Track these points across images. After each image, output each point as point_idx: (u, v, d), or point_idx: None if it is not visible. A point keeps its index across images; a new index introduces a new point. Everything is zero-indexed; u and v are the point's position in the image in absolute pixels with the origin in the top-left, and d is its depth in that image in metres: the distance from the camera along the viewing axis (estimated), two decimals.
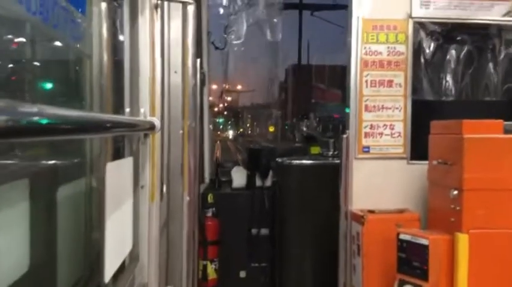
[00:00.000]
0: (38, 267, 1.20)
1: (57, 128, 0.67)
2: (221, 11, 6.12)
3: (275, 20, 6.34)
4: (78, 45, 1.08)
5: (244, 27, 5.87)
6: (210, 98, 6.02)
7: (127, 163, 1.56)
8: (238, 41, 5.93)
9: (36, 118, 0.56)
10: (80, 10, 1.02)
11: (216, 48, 6.17)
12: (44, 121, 0.59)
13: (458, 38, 3.60)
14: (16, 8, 0.74)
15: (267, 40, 6.36)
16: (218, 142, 5.44)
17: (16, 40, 0.82)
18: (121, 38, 1.68)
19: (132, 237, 1.68)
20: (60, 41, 0.96)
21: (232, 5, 5.98)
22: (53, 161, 1.27)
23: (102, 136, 1.37)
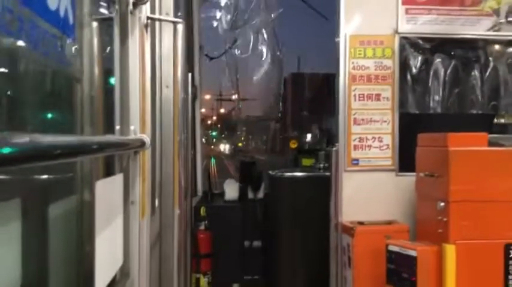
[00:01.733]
0: (30, 284, 1.23)
1: (49, 155, 0.71)
2: (214, 24, 6.19)
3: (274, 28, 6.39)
4: (68, 70, 1.12)
5: (251, 41, 5.94)
6: (203, 110, 6.06)
7: (117, 179, 1.60)
8: (246, 55, 5.99)
9: (29, 147, 0.61)
10: (69, 36, 1.07)
11: (211, 59, 6.21)
12: (36, 149, 0.63)
13: (445, 53, 3.68)
14: (8, 40, 0.78)
15: (263, 50, 6.40)
16: (213, 160, 5.40)
17: (8, 69, 0.86)
18: (111, 57, 1.72)
19: (123, 253, 1.71)
20: (50, 67, 1.00)
21: (234, 17, 6.04)
22: (43, 180, 1.30)
23: (93, 157, 1.41)
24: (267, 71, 6.30)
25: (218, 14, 6.25)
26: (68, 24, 1.04)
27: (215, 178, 5.11)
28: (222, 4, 6.14)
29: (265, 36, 5.84)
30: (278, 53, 6.06)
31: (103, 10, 1.70)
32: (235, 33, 5.78)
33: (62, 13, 0.98)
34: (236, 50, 5.89)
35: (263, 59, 6.10)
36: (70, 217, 1.44)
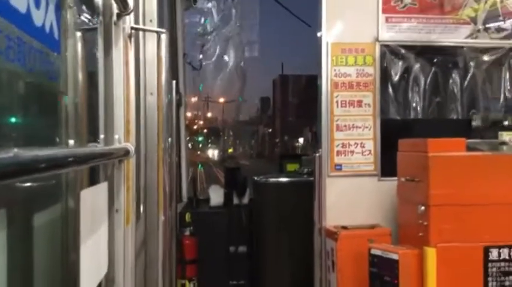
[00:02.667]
0: None
1: (35, 168, 0.74)
2: (198, 30, 6.23)
3: (252, 34, 6.45)
4: (53, 83, 1.15)
5: (218, 47, 5.98)
6: (188, 114, 6.08)
7: (102, 188, 1.62)
8: (210, 61, 6.03)
9: (13, 162, 0.64)
10: (54, 50, 1.09)
11: (194, 68, 6.25)
12: (21, 164, 0.66)
13: (425, 60, 3.77)
14: None
15: (245, 55, 6.45)
16: (200, 167, 5.36)
17: None
18: (95, 68, 1.75)
19: (108, 260, 1.73)
20: (36, 82, 1.03)
21: (210, 24, 6.09)
22: (28, 189, 1.32)
23: (79, 168, 1.44)
24: (228, 81, 6.34)
25: (202, 20, 6.29)
26: (53, 38, 1.07)
27: (203, 184, 5.12)
28: (206, 10, 6.19)
29: (232, 44, 5.90)
30: (242, 64, 6.11)
31: (87, 21, 1.73)
32: (203, 39, 5.82)
33: (47, 28, 1.01)
34: (203, 58, 5.93)
35: (227, 67, 6.15)
36: (55, 226, 1.46)
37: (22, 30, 0.86)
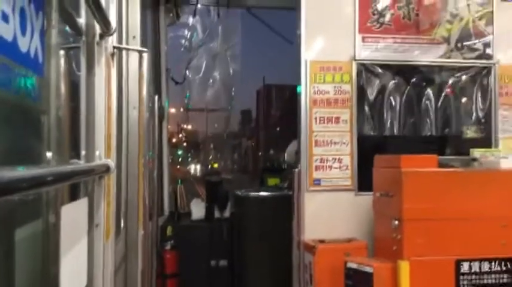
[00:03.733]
0: None
1: (18, 187, 0.79)
2: (185, 45, 6.33)
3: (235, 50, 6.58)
4: (37, 104, 1.21)
5: (204, 63, 6.09)
6: (169, 126, 6.13)
7: (82, 204, 1.67)
8: (198, 76, 6.14)
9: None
10: (38, 73, 1.15)
11: (176, 83, 6.33)
12: (4, 183, 0.72)
13: (400, 78, 3.90)
14: None
15: (228, 69, 6.56)
16: (180, 184, 5.30)
17: None
18: (78, 86, 1.81)
19: (87, 273, 1.77)
20: (21, 104, 1.08)
21: (194, 40, 6.20)
22: (9, 204, 1.37)
23: (60, 186, 1.48)
24: (215, 94, 6.49)
25: (188, 34, 6.40)
26: (37, 62, 1.13)
27: (183, 201, 5.12)
28: (190, 24, 6.29)
29: (218, 61, 6.03)
30: (229, 75, 6.25)
31: (70, 41, 1.79)
32: (190, 54, 5.94)
33: (32, 53, 1.07)
34: (188, 72, 6.03)
35: (212, 81, 6.28)
36: (36, 241, 1.50)
37: (8, 57, 0.93)
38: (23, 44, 1.01)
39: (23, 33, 1.01)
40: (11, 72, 0.96)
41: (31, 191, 0.97)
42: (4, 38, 0.90)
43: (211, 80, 6.32)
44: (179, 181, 5.33)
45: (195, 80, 6.28)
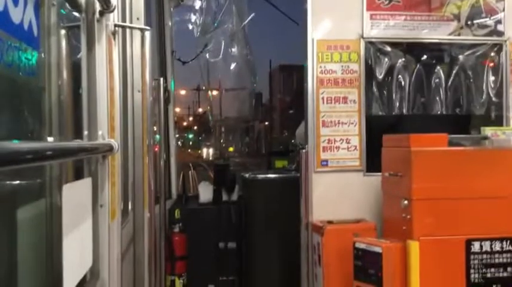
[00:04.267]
0: None
1: (17, 159, 0.76)
2: (190, 27, 6.25)
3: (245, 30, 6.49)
4: (32, 79, 1.18)
5: (222, 46, 6.02)
6: (177, 109, 6.11)
7: (85, 183, 1.65)
8: (217, 59, 6.07)
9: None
10: (33, 47, 1.12)
11: (183, 63, 6.27)
12: (5, 154, 0.69)
13: (409, 56, 3.82)
14: None
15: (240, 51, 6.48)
16: (192, 170, 5.28)
17: None
18: (79, 64, 1.77)
19: (92, 254, 1.76)
20: (15, 78, 1.06)
21: (204, 20, 6.11)
22: (13, 183, 1.35)
23: (62, 161, 1.46)
24: (238, 74, 6.40)
25: (193, 17, 6.32)
26: (32, 35, 1.10)
27: (195, 183, 5.12)
28: (197, 7, 6.21)
29: (236, 40, 5.94)
30: (249, 57, 6.16)
31: (69, 18, 1.75)
32: (205, 37, 5.86)
33: (26, 26, 1.03)
34: (207, 55, 5.96)
35: (234, 62, 6.20)
36: (39, 220, 1.49)
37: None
38: (15, 15, 0.98)
39: (15, 3, 0.97)
40: (3, 44, 0.92)
41: (32, 164, 0.94)
42: None
43: (235, 63, 6.23)
44: (191, 166, 5.28)
45: (212, 62, 6.20)
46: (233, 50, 6.05)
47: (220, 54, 6.17)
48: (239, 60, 6.19)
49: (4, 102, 1.07)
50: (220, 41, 6.09)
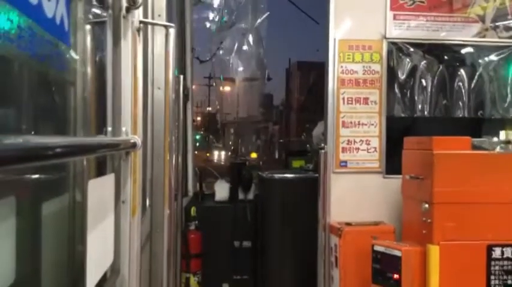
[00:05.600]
0: (22, 280, 1.27)
1: (42, 156, 0.76)
2: (208, 25, 6.27)
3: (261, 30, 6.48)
4: (62, 74, 1.18)
5: (236, 44, 6.02)
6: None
7: (108, 179, 1.65)
8: (229, 57, 6.08)
9: (21, 148, 0.66)
10: (64, 42, 1.12)
11: (201, 61, 6.29)
12: (30, 150, 0.68)
13: (432, 58, 3.76)
14: (9, 46, 0.83)
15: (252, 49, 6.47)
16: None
17: (5, 74, 0.91)
18: (104, 61, 1.77)
19: (113, 250, 1.76)
20: (45, 72, 1.05)
21: (219, 18, 6.12)
22: (37, 178, 1.35)
23: (86, 157, 1.46)
24: (252, 73, 6.40)
25: (211, 15, 6.32)
26: (63, 30, 1.09)
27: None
28: (215, 5, 6.22)
29: (250, 39, 5.93)
30: (261, 55, 6.15)
31: (96, 14, 1.75)
32: (221, 35, 5.87)
33: (58, 20, 1.03)
34: (221, 52, 5.97)
35: (247, 61, 6.19)
36: (63, 215, 1.49)
37: (33, 20, 0.89)
38: (49, 8, 0.97)
39: None
40: (36, 37, 0.92)
41: (57, 160, 0.94)
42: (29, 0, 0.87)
43: (248, 60, 6.24)
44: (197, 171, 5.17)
45: (225, 60, 6.21)
46: (246, 48, 6.06)
47: (233, 52, 6.18)
48: (251, 58, 6.18)
49: (36, 96, 1.07)
50: (235, 38, 6.10)
